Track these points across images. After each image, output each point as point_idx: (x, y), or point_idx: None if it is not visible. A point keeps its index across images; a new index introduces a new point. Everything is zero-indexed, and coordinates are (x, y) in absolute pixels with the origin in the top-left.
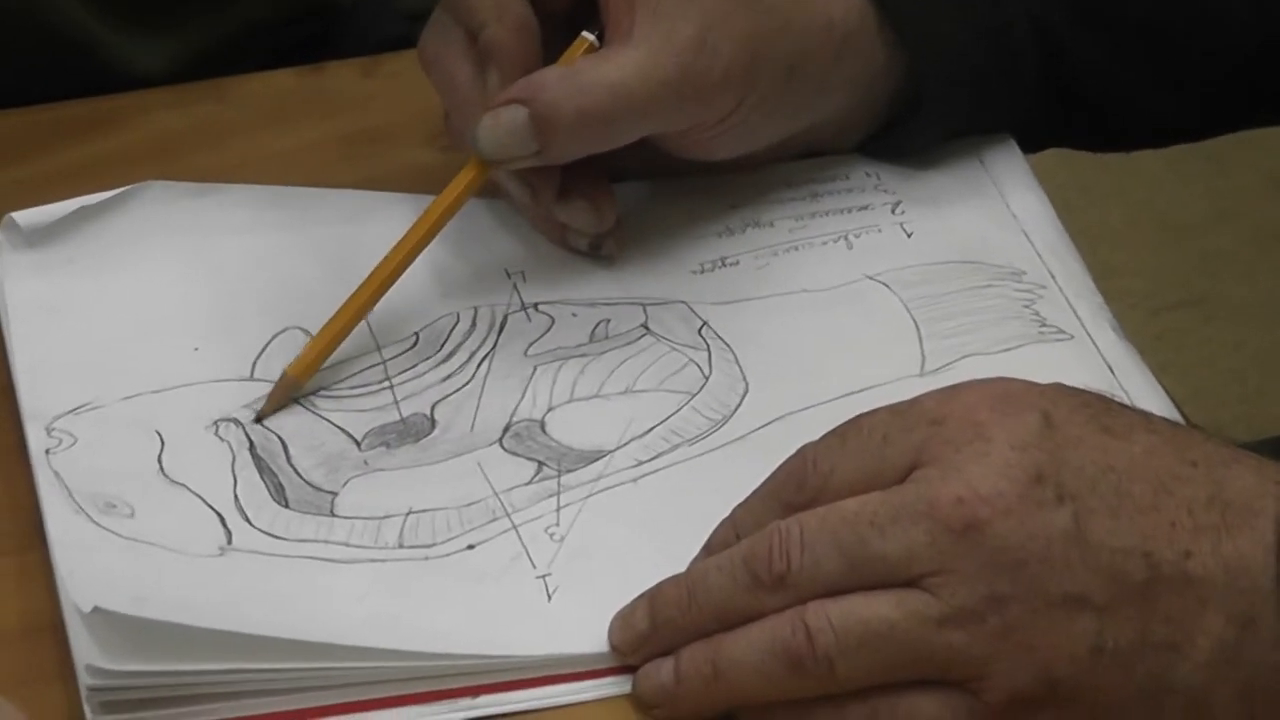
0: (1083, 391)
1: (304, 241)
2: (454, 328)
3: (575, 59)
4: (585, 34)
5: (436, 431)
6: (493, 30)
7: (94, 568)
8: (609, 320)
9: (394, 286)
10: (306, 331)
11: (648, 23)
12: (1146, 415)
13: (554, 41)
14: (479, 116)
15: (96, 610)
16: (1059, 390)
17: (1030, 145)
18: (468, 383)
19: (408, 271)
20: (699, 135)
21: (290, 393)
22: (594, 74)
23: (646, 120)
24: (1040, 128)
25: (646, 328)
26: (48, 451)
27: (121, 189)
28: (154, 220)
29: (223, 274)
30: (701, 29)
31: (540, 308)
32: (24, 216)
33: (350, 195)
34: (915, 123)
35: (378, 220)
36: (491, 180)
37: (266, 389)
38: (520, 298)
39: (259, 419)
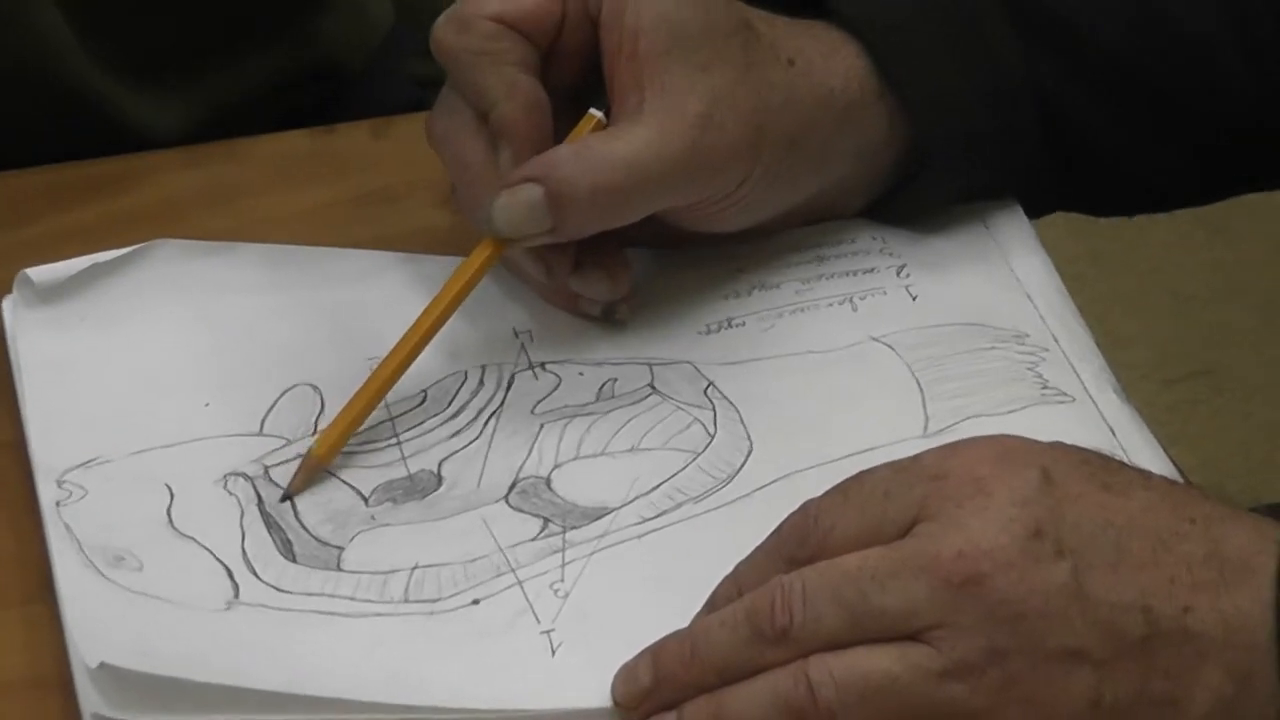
0: (1082, 449)
1: (313, 300)
2: (462, 385)
3: (584, 135)
4: (593, 111)
5: (443, 488)
6: (503, 109)
7: (101, 622)
8: (615, 380)
9: None
10: (315, 387)
11: (656, 99)
12: (1145, 473)
13: (560, 117)
14: (492, 195)
15: (103, 666)
16: (1059, 448)
17: (1034, 209)
18: (475, 440)
19: None
20: (705, 210)
21: (316, 472)
22: (607, 151)
23: (658, 196)
24: (1043, 191)
25: (653, 387)
26: (58, 504)
27: (133, 247)
28: (165, 278)
29: (232, 331)
30: (709, 105)
31: (547, 367)
32: (38, 273)
33: (359, 255)
34: (919, 187)
35: (387, 280)
36: (505, 258)
37: (275, 444)
38: (528, 357)
39: (285, 497)
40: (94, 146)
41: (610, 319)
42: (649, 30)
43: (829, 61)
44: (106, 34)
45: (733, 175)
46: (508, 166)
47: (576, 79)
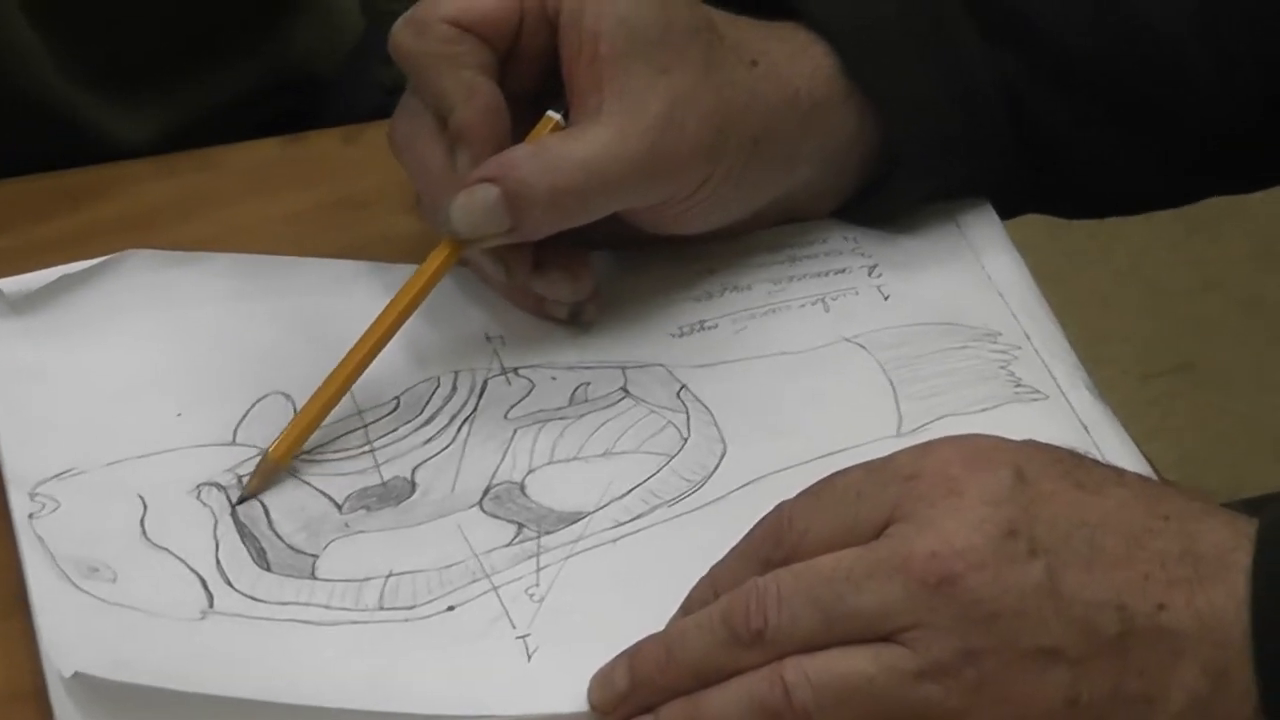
0: (1055, 448)
1: (285, 309)
2: (434, 392)
3: (542, 137)
4: (551, 113)
5: (417, 494)
6: (462, 112)
7: (76, 632)
8: (588, 384)
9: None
10: (288, 396)
11: (616, 100)
12: (1119, 471)
13: (520, 120)
14: (451, 197)
15: (77, 675)
16: (1031, 446)
17: (1006, 210)
18: (448, 446)
19: (392, 341)
20: (668, 211)
21: (273, 474)
22: (564, 151)
23: (617, 197)
24: (1015, 192)
25: (626, 390)
26: (31, 516)
27: (103, 258)
28: (136, 288)
29: (204, 341)
30: (668, 106)
31: (520, 372)
32: (8, 284)
33: (330, 264)
34: (890, 188)
35: (358, 288)
36: (466, 258)
37: (248, 453)
38: (500, 362)
39: (243, 499)
40: (66, 158)
41: (577, 321)
42: (608, 33)
43: (794, 62)
44: (77, 46)
45: (693, 176)
46: (465, 169)
47: (534, 82)
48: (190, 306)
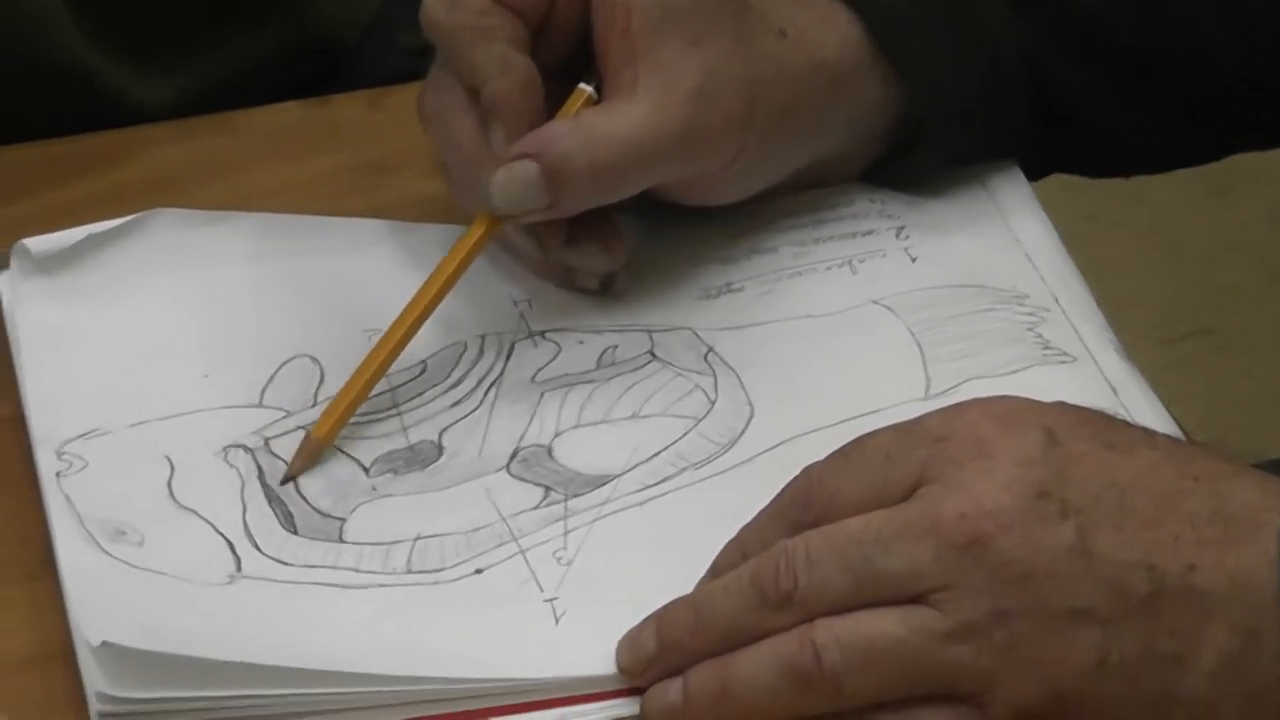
0: (1085, 409)
1: (311, 270)
2: (462, 355)
3: (575, 111)
4: (583, 85)
5: (444, 458)
6: (496, 86)
7: (103, 598)
8: (615, 347)
9: None
10: (315, 360)
11: (650, 75)
12: (1149, 432)
13: (549, 93)
14: (486, 172)
15: (105, 645)
16: (1061, 408)
17: (1031, 172)
18: (475, 409)
19: None
20: (700, 183)
21: (317, 453)
22: (603, 127)
23: (655, 171)
24: (1038, 154)
25: (653, 354)
26: (58, 475)
27: (130, 217)
28: (163, 248)
29: (231, 301)
30: (702, 79)
31: (547, 335)
32: (35, 244)
33: (358, 224)
34: (916, 153)
35: (385, 249)
36: (499, 234)
37: (275, 416)
38: (528, 325)
39: (286, 479)
40: (88, 123)
41: (608, 290)
42: (641, 5)
43: (821, 31)
44: (101, 11)
45: (727, 149)
46: (500, 144)
47: (565, 54)
48: (217, 266)
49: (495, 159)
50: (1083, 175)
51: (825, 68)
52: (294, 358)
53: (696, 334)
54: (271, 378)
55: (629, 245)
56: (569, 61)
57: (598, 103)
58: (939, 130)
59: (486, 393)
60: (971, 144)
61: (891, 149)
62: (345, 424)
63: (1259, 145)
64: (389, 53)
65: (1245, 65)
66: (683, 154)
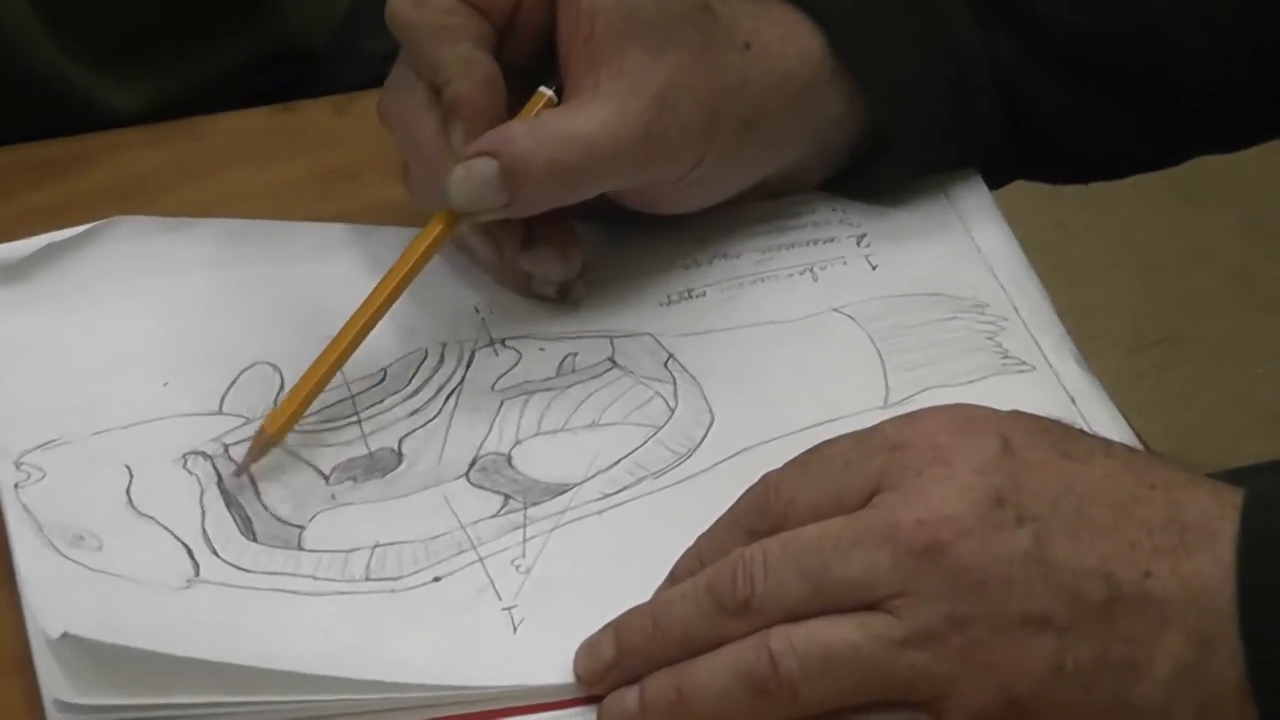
0: (1042, 418)
1: (271, 276)
2: (422, 363)
3: (535, 113)
4: (543, 89)
5: (403, 465)
6: (458, 85)
7: (62, 598)
8: (576, 354)
9: None
10: (275, 366)
11: (612, 80)
12: (1105, 441)
13: (510, 95)
14: (445, 170)
15: (65, 637)
16: (1018, 416)
17: (993, 179)
18: (435, 417)
19: None
20: (659, 191)
21: (267, 448)
22: (562, 128)
23: (612, 175)
24: (1001, 162)
25: (613, 361)
26: (16, 485)
27: (91, 225)
28: (122, 256)
29: (191, 308)
30: (663, 87)
31: (507, 343)
32: None
33: (318, 228)
34: (880, 165)
35: (346, 253)
36: (455, 238)
37: (235, 423)
38: (488, 333)
39: (238, 472)
40: (58, 128)
41: (566, 298)
42: (606, 11)
43: (785, 44)
44: (70, 17)
45: (687, 157)
46: (460, 143)
47: (527, 57)
48: (176, 274)
49: (455, 157)
50: (1044, 181)
51: (788, 80)
52: (254, 364)
53: (657, 340)
54: (231, 384)
55: (588, 252)
56: (531, 64)
57: (557, 105)
58: (903, 144)
59: (446, 400)
60: (937, 155)
61: (855, 159)
62: (298, 419)
63: (1221, 149)
64: (357, 59)
65: (1210, 69)
66: (641, 159)
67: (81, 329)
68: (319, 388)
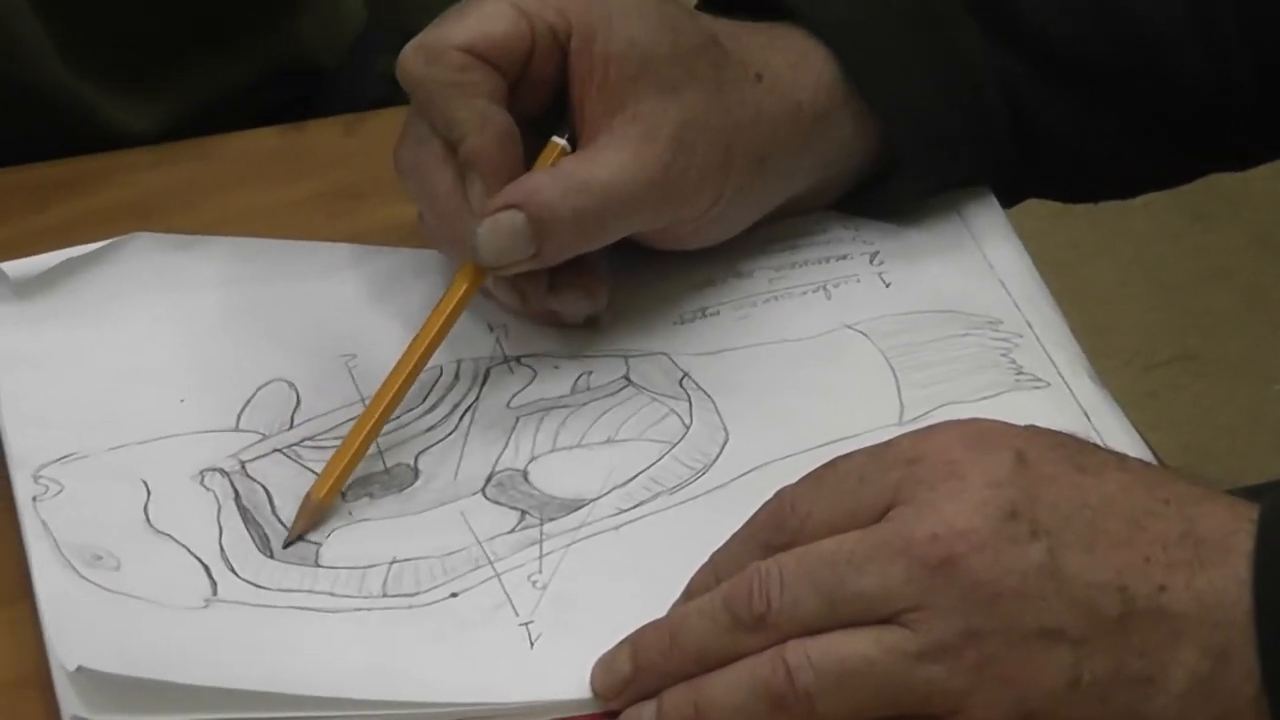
0: (1056, 432)
1: (288, 294)
2: (438, 380)
3: (551, 163)
4: (556, 138)
5: (420, 482)
6: (475, 141)
7: (80, 624)
8: (591, 372)
9: (378, 341)
10: (291, 384)
11: (628, 124)
12: (1120, 455)
13: (524, 146)
14: (465, 224)
15: (81, 670)
16: (1032, 430)
17: (1005, 198)
18: (451, 434)
19: (391, 325)
20: (677, 230)
21: (317, 514)
22: (584, 175)
23: (635, 218)
24: (1013, 180)
25: (628, 379)
26: (35, 499)
27: (107, 241)
28: (139, 272)
29: (208, 325)
30: (680, 127)
31: (523, 360)
32: (11, 268)
33: (332, 248)
34: (892, 185)
35: (360, 273)
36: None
37: (252, 439)
38: (503, 350)
39: (288, 543)
40: (69, 147)
41: (590, 325)
42: (619, 57)
43: (796, 73)
44: (81, 36)
45: (706, 196)
46: (478, 197)
47: (539, 107)
48: (193, 290)
49: (473, 211)
50: (1056, 200)
51: (801, 112)
52: (270, 381)
53: (672, 359)
54: (248, 402)
55: (608, 280)
56: (542, 114)
57: (570, 154)
58: (914, 165)
59: (462, 418)
60: (950, 172)
61: (866, 180)
62: (344, 485)
63: (1231, 167)
64: (368, 78)
65: (1217, 87)
66: (662, 201)
67: (98, 344)
68: (361, 452)
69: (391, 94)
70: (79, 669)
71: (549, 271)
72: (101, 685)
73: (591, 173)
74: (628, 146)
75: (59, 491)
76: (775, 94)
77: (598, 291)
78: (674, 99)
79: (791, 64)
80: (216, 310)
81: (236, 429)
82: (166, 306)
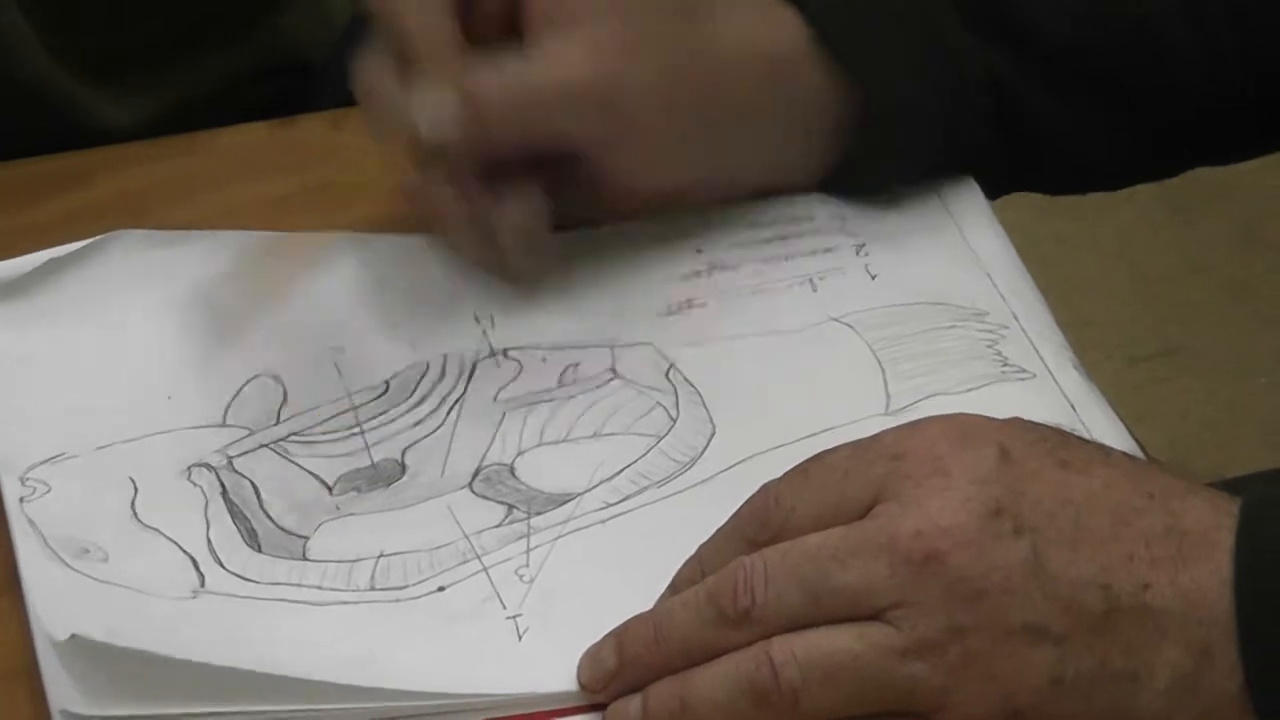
0: (1040, 426)
1: None
2: (424, 375)
3: (496, 54)
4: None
5: (407, 476)
6: (413, 20)
7: (68, 606)
8: (577, 364)
9: (364, 335)
10: (277, 379)
11: (572, 27)
12: (1104, 449)
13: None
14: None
15: (72, 639)
16: (1017, 425)
17: (989, 190)
18: (438, 428)
19: (378, 319)
20: (623, 159)
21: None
22: (520, 65)
23: (569, 117)
24: (998, 172)
25: (614, 371)
26: (22, 500)
27: (92, 239)
28: (124, 270)
29: (194, 321)
30: (626, 43)
31: (509, 353)
32: None
33: (320, 238)
34: (872, 156)
35: (345, 263)
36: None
37: (238, 435)
38: (490, 343)
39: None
40: (57, 143)
41: (534, 270)
42: None
43: (760, 23)
44: (68, 32)
45: (645, 116)
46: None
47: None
48: (179, 286)
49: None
50: (1040, 192)
51: (762, 56)
52: (256, 376)
53: (659, 350)
54: (235, 397)
55: (589, 259)
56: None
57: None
58: (890, 128)
59: (449, 412)
60: (928, 150)
61: (848, 159)
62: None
63: (1218, 161)
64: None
65: (1206, 81)
66: (598, 105)
67: (84, 343)
68: None
69: None
70: (70, 639)
71: (486, 182)
72: (90, 673)
73: (528, 64)
74: (567, 45)
75: (46, 492)
76: (734, 36)
77: (534, 197)
78: (626, 18)
79: (757, 19)
80: (202, 306)
81: (223, 424)
82: (152, 303)
